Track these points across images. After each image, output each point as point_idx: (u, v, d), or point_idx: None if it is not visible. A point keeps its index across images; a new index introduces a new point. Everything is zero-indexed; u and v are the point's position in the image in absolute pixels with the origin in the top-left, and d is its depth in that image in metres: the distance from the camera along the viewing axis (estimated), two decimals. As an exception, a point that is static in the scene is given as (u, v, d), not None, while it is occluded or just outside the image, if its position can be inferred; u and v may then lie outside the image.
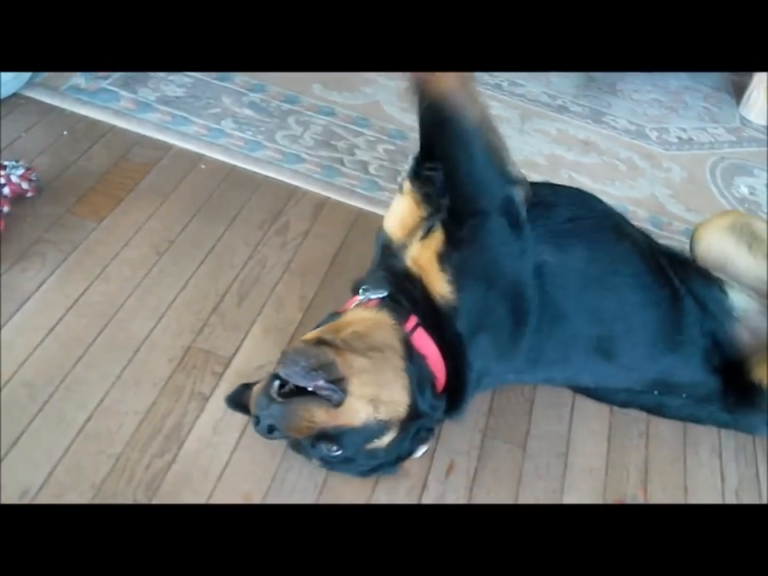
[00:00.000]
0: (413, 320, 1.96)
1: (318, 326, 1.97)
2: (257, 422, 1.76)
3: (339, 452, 1.80)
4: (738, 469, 2.21)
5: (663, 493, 2.10)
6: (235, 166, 2.71)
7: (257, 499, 1.86)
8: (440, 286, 1.97)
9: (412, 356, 1.90)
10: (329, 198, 2.69)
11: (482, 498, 1.99)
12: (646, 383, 2.18)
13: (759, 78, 3.67)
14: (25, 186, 2.33)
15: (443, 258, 1.99)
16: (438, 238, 2.01)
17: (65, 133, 2.65)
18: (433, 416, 1.96)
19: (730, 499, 2.13)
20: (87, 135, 2.67)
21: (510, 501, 1.99)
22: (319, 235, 2.51)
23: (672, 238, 2.76)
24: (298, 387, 1.72)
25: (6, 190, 2.28)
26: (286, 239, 2.48)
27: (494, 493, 2.00)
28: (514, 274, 1.99)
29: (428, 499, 1.96)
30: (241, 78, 3.12)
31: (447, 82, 1.99)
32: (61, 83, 2.84)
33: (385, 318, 1.95)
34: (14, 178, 2.30)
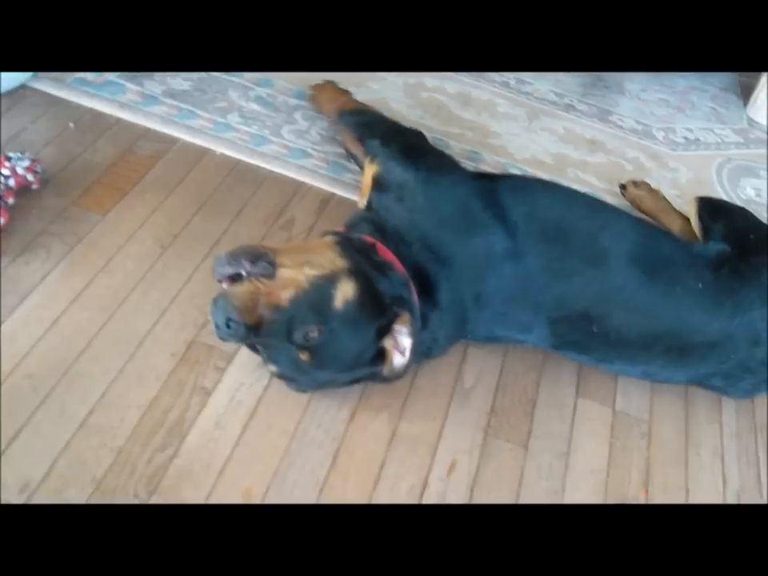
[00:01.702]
0: (369, 239, 2.12)
1: None
2: (217, 328, 1.81)
3: (314, 330, 1.87)
4: (740, 470, 2.22)
5: (665, 494, 2.11)
6: (241, 160, 2.70)
7: (258, 494, 1.87)
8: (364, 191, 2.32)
9: (346, 244, 2.07)
10: (334, 193, 2.69)
11: (484, 497, 1.99)
12: None
13: (766, 79, 3.66)
14: (30, 177, 2.33)
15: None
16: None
17: (71, 125, 2.65)
18: (402, 282, 2.06)
19: (732, 501, 2.14)
20: (93, 127, 2.66)
21: (511, 500, 2.00)
22: (324, 231, 2.50)
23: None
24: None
25: (12, 182, 2.28)
26: (291, 234, 2.48)
27: (496, 492, 2.01)
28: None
29: (429, 498, 1.96)
30: (248, 73, 3.11)
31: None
32: (67, 75, 2.83)
33: (327, 239, 2.10)
34: (19, 170, 2.30)
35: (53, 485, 1.77)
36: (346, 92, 2.93)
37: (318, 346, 1.89)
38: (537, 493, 2.03)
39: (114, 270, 2.23)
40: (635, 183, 2.92)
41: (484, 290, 2.14)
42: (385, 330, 2.00)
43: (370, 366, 2.03)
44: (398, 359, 2.03)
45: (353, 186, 2.70)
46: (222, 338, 1.83)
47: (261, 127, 2.86)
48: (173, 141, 2.70)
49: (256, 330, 1.82)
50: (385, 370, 2.05)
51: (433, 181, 2.23)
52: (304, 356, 1.89)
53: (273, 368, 1.95)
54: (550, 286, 2.14)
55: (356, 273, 1.96)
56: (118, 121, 2.72)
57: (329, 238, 2.08)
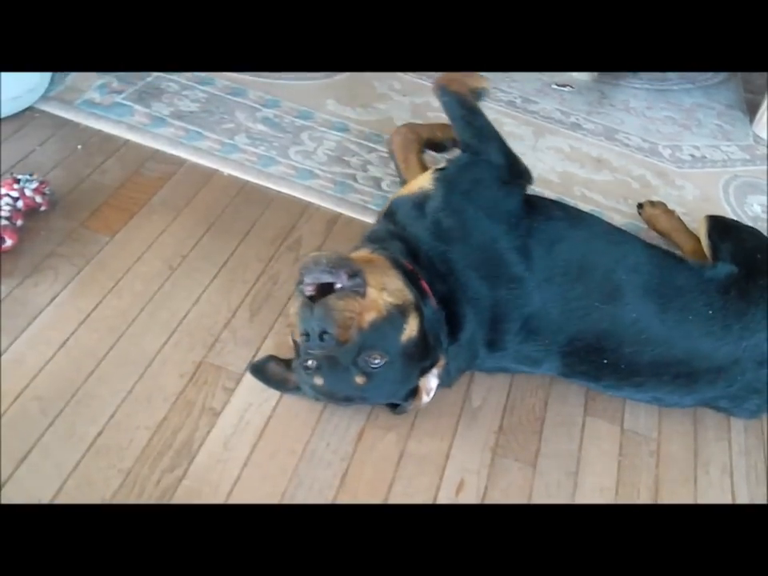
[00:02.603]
0: (408, 265, 2.10)
1: None
2: (307, 336, 1.83)
3: (379, 359, 1.90)
4: (749, 488, 2.21)
5: (674, 513, 2.10)
6: (248, 181, 2.72)
7: (266, 515, 1.86)
8: (422, 180, 2.30)
9: (399, 266, 2.07)
10: (341, 213, 2.69)
11: (492, 516, 1.99)
12: None
13: (773, 96, 3.67)
14: (38, 199, 2.34)
15: (436, 171, 2.32)
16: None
17: (79, 147, 2.66)
18: (439, 320, 2.06)
19: (741, 519, 2.13)
20: (101, 149, 2.68)
21: (519, 519, 1.99)
22: (332, 251, 2.50)
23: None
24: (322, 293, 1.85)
25: (20, 204, 2.29)
26: (299, 255, 2.48)
27: (504, 511, 2.00)
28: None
29: (438, 517, 1.95)
30: (254, 94, 3.13)
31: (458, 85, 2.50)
32: (75, 97, 2.85)
33: (371, 252, 2.12)
34: (27, 192, 2.31)
35: (62, 506, 1.77)
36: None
37: (375, 374, 1.92)
38: (546, 512, 2.03)
39: (123, 292, 2.23)
40: (652, 203, 2.93)
41: (501, 335, 2.16)
42: (425, 371, 2.04)
43: (403, 400, 2.08)
44: (425, 398, 2.08)
45: (359, 206, 2.71)
46: (308, 348, 1.86)
47: (268, 148, 2.87)
48: (180, 162, 2.71)
49: (340, 347, 1.85)
50: (411, 406, 2.09)
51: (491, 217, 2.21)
52: (360, 379, 1.92)
53: (319, 381, 1.95)
54: (566, 325, 2.16)
55: (418, 309, 1.99)
56: (126, 142, 2.73)
57: (382, 257, 2.07)
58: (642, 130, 3.59)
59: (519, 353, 2.19)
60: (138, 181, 2.59)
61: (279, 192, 2.71)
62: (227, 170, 2.74)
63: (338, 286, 1.84)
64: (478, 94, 2.55)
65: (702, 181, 3.33)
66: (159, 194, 2.57)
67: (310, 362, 1.93)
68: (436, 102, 3.27)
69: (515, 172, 2.31)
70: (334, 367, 1.91)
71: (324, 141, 2.99)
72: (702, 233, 2.54)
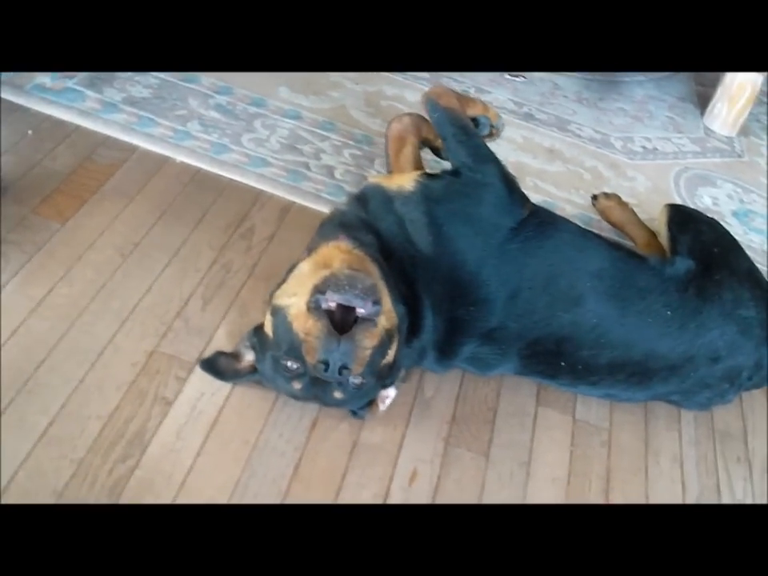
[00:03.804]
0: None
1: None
2: (326, 367, 1.79)
3: (363, 381, 1.91)
4: (699, 478, 2.23)
5: (625, 501, 2.12)
6: (201, 168, 2.70)
7: (219, 506, 1.86)
8: (405, 179, 2.24)
9: (384, 274, 2.01)
10: (294, 202, 2.69)
11: (445, 506, 1.99)
12: None
13: (723, 89, 3.69)
14: (-12, 185, 2.31)
15: (423, 176, 2.24)
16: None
17: (29, 132, 2.63)
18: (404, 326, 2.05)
19: (691, 509, 2.15)
20: (52, 135, 2.65)
21: (472, 509, 2.00)
22: (284, 240, 2.50)
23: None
24: (342, 314, 1.82)
25: (-30, 190, 2.27)
26: (251, 243, 2.48)
27: (457, 501, 2.01)
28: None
29: (391, 507, 1.96)
30: (207, 80, 3.11)
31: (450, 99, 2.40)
32: (26, 82, 2.81)
33: (353, 247, 2.05)
34: (-23, 178, 2.29)
35: (13, 497, 1.75)
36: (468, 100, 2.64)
37: (353, 394, 1.94)
38: (498, 502, 2.03)
39: (74, 279, 2.21)
40: (606, 195, 2.94)
41: (454, 347, 2.17)
42: (385, 386, 2.06)
43: (360, 408, 2.09)
44: (380, 407, 2.10)
45: (312, 195, 2.70)
46: (322, 374, 1.82)
47: (221, 135, 2.86)
48: (132, 149, 2.69)
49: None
50: (367, 415, 2.10)
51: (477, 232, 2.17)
52: (338, 395, 1.93)
53: (297, 386, 1.94)
54: (527, 333, 2.16)
55: (399, 330, 1.99)
56: (77, 128, 2.71)
57: (366, 257, 2.03)
58: (594, 122, 3.61)
59: (473, 356, 2.19)
60: (89, 167, 2.57)
61: (232, 180, 2.70)
62: (180, 157, 2.72)
63: (360, 311, 1.81)
64: (477, 121, 2.52)
65: (654, 172, 3.35)
66: (111, 180, 2.55)
67: (290, 365, 1.90)
68: (390, 91, 3.29)
69: (513, 198, 2.22)
70: (317, 381, 1.90)
71: (277, 128, 2.98)
72: (662, 222, 2.55)
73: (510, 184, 2.23)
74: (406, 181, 2.22)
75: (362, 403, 2.06)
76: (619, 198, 2.92)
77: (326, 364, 1.79)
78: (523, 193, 2.27)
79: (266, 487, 1.92)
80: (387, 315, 1.89)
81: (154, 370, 2.07)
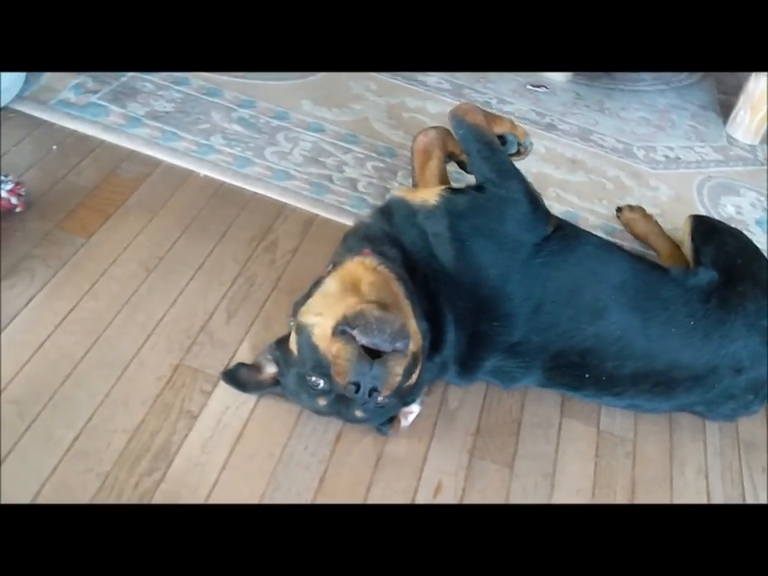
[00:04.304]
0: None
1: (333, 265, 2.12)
2: (356, 389, 1.79)
3: (386, 401, 1.91)
4: (725, 489, 2.22)
5: (650, 513, 2.11)
6: (224, 182, 2.71)
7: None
8: (429, 194, 2.24)
9: (409, 292, 2.02)
10: (317, 215, 2.69)
11: (470, 518, 1.99)
12: None
13: (745, 97, 3.69)
14: (14, 200, 2.33)
15: (447, 191, 2.24)
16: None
17: (54, 147, 2.65)
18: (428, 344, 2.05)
19: (716, 520, 2.14)
20: (76, 150, 2.67)
21: (497, 521, 2.00)
22: (308, 252, 2.51)
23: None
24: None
25: (-4, 205, 2.28)
26: (275, 256, 2.48)
27: (482, 513, 2.01)
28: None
29: (416, 520, 1.96)
30: (230, 94, 3.13)
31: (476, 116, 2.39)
32: (50, 97, 2.84)
33: (377, 264, 2.05)
34: (3, 193, 2.30)
35: (40, 511, 1.76)
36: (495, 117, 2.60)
37: (371, 410, 1.94)
38: (523, 514, 2.03)
39: (99, 294, 2.23)
40: (630, 207, 2.94)
41: (476, 362, 2.17)
42: (407, 403, 2.07)
43: (381, 425, 2.09)
44: (403, 423, 2.10)
45: (335, 207, 2.71)
46: (352, 395, 1.82)
47: (244, 149, 2.87)
48: (156, 163, 2.71)
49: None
50: (390, 432, 2.10)
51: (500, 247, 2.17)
52: (359, 413, 1.94)
53: (322, 402, 1.95)
54: (551, 346, 2.16)
55: (424, 352, 2.00)
56: (102, 143, 2.72)
57: (391, 275, 2.03)
58: (617, 131, 3.61)
59: (497, 369, 2.19)
60: (113, 182, 2.58)
61: (255, 193, 2.71)
62: (203, 170, 2.73)
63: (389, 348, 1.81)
64: (505, 139, 2.50)
65: (676, 182, 3.35)
66: (135, 195, 2.56)
67: (316, 381, 1.91)
68: (412, 103, 3.30)
69: (538, 215, 2.22)
70: (341, 398, 1.91)
71: (300, 141, 2.99)
72: (686, 233, 2.55)
73: (534, 201, 2.23)
74: (429, 195, 2.22)
75: (382, 420, 2.06)
76: (643, 210, 2.91)
77: (357, 386, 1.79)
78: (547, 209, 2.27)
79: (290, 500, 1.92)
80: (414, 338, 1.88)
81: (179, 383, 2.08)
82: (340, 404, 1.93)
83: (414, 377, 1.95)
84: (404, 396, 1.99)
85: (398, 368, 1.81)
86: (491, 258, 2.12)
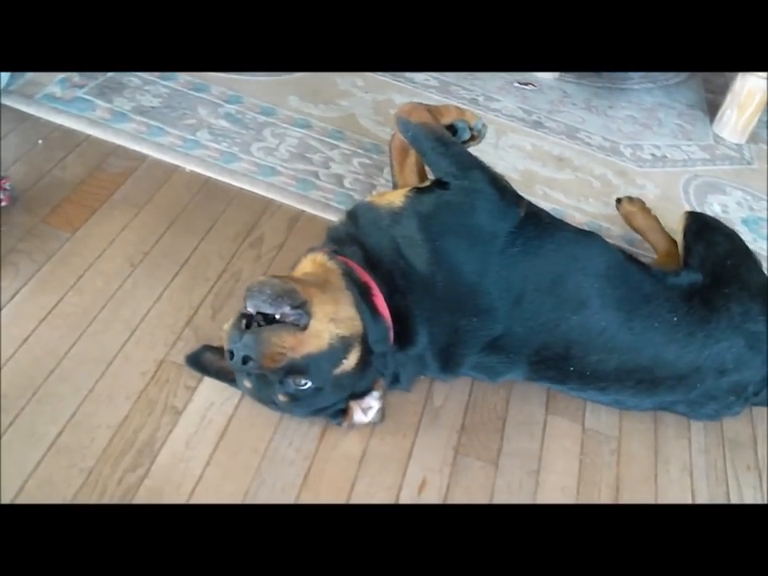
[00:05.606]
0: (365, 277, 2.06)
1: None
2: (231, 355, 1.80)
3: (308, 384, 1.90)
4: (709, 487, 2.23)
5: (634, 511, 2.11)
6: (210, 177, 2.71)
7: (229, 515, 1.85)
8: (395, 195, 2.21)
9: (354, 282, 2.02)
10: (303, 211, 2.69)
11: (454, 515, 1.99)
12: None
13: (732, 96, 3.69)
14: (-1, 195, 2.32)
15: (413, 191, 2.21)
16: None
17: (40, 142, 2.64)
18: (386, 338, 2.04)
19: (701, 517, 2.15)
20: (62, 144, 2.66)
21: (481, 518, 2.00)
22: (293, 248, 2.50)
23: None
24: (265, 320, 1.82)
25: (-20, 200, 2.27)
26: (261, 252, 2.48)
27: (466, 510, 2.01)
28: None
29: (400, 516, 1.95)
30: (217, 89, 3.12)
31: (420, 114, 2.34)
32: (36, 91, 2.83)
33: (327, 259, 2.07)
34: (-13, 187, 2.30)
35: (22, 506, 1.76)
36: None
37: (299, 396, 1.92)
38: (507, 510, 2.03)
39: (84, 289, 2.22)
40: (630, 199, 2.92)
41: (456, 358, 2.16)
42: (358, 395, 2.05)
43: (331, 417, 2.08)
44: (359, 416, 2.08)
45: (321, 204, 2.71)
46: (230, 364, 1.84)
47: (230, 144, 2.86)
48: (142, 158, 2.70)
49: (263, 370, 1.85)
50: (345, 425, 2.08)
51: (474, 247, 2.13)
52: (283, 398, 1.92)
53: (248, 384, 1.95)
54: (534, 338, 2.15)
55: (363, 340, 1.98)
56: (87, 138, 2.71)
57: (338, 272, 2.04)
58: (604, 129, 3.62)
59: (480, 364, 2.19)
60: (99, 177, 2.58)
61: (241, 189, 2.70)
62: (189, 166, 2.72)
63: (277, 316, 1.82)
64: (455, 127, 2.44)
65: (663, 180, 3.36)
66: (120, 190, 2.55)
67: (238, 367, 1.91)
68: (399, 99, 3.30)
69: (507, 199, 2.18)
70: (262, 378, 1.91)
71: (286, 137, 2.98)
72: (679, 230, 2.54)
73: (500, 185, 2.20)
74: (396, 197, 2.20)
75: (311, 409, 2.02)
76: (643, 203, 2.90)
77: (232, 354, 1.80)
78: (515, 191, 2.24)
79: (275, 496, 1.92)
80: (344, 323, 1.91)
81: (163, 379, 2.07)
82: (265, 388, 1.93)
83: (350, 363, 1.94)
84: (342, 385, 1.97)
85: (274, 338, 1.80)
86: (464, 256, 2.09)
